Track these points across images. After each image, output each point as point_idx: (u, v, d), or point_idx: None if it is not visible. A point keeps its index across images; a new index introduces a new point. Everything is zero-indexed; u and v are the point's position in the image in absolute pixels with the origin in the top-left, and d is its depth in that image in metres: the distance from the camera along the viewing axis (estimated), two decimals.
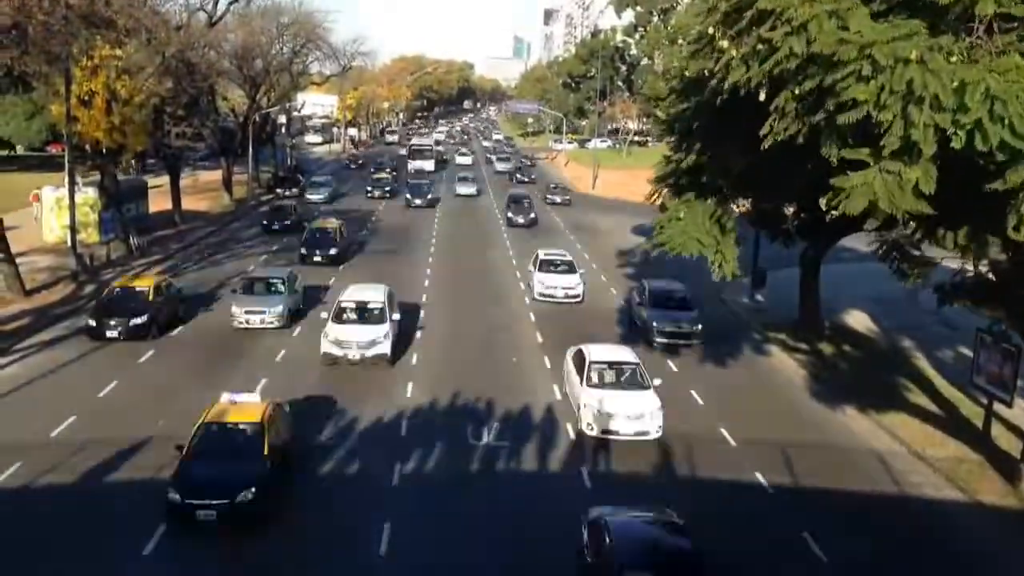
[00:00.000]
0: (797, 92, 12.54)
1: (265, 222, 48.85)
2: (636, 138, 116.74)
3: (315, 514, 16.77)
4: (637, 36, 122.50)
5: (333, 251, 39.58)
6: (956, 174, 12.40)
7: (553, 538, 15.89)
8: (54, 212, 41.12)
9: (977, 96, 11.18)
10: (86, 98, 36.80)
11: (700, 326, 28.65)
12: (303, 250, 39.33)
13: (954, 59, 11.67)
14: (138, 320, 26.60)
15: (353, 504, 17.33)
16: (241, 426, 17.29)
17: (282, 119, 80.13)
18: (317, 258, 38.94)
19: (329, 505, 17.14)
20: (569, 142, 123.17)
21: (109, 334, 26.31)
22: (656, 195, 23.62)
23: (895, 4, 12.69)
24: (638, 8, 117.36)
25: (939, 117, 11.45)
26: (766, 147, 13.51)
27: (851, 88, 11.65)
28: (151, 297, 27.64)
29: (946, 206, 14.31)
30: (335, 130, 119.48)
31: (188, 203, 51.91)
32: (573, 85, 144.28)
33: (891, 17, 12.51)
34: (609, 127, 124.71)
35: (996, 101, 11.16)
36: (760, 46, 12.57)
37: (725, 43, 13.23)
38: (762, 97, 13.12)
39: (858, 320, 32.83)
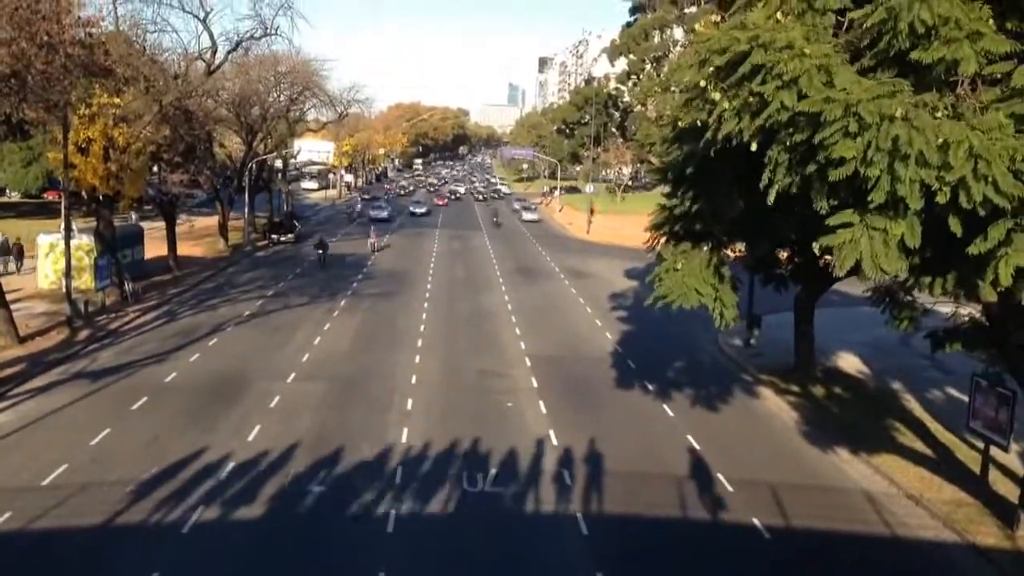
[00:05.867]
0: (789, 144, 12.76)
1: None
2: (629, 183, 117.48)
3: (309, 561, 16.60)
4: (630, 83, 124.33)
5: None
6: (940, 229, 12.58)
7: None
8: (49, 258, 41.19)
9: (961, 154, 11.40)
10: (83, 145, 37.03)
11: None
12: None
13: (939, 115, 11.91)
14: None
15: (347, 551, 17.17)
16: None
17: (278, 164, 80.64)
18: None
19: (323, 552, 16.97)
20: (556, 188, 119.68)
21: None
22: (654, 241, 23.70)
23: (882, 60, 12.97)
24: (631, 56, 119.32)
25: (924, 173, 11.66)
26: (771, 200, 13.61)
27: (839, 145, 11.88)
28: None
29: (931, 260, 14.49)
30: (331, 176, 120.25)
31: (184, 249, 52.04)
32: (567, 131, 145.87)
33: (878, 73, 12.78)
34: (603, 174, 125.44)
35: (980, 160, 11.38)
36: (752, 99, 12.81)
37: (717, 95, 13.45)
38: (754, 147, 13.33)
39: (851, 364, 32.91)
